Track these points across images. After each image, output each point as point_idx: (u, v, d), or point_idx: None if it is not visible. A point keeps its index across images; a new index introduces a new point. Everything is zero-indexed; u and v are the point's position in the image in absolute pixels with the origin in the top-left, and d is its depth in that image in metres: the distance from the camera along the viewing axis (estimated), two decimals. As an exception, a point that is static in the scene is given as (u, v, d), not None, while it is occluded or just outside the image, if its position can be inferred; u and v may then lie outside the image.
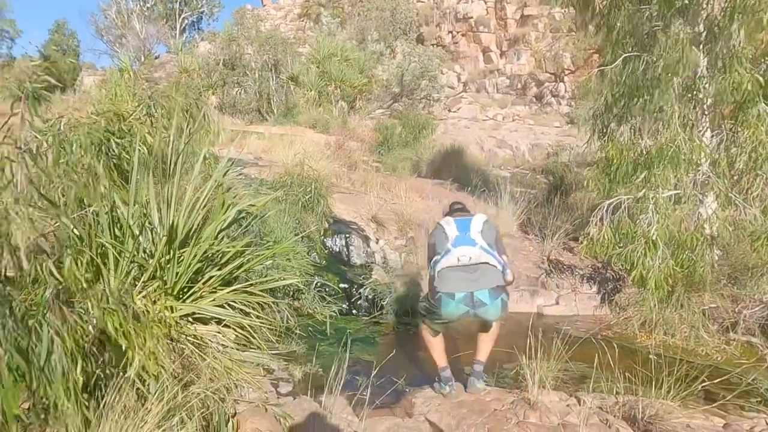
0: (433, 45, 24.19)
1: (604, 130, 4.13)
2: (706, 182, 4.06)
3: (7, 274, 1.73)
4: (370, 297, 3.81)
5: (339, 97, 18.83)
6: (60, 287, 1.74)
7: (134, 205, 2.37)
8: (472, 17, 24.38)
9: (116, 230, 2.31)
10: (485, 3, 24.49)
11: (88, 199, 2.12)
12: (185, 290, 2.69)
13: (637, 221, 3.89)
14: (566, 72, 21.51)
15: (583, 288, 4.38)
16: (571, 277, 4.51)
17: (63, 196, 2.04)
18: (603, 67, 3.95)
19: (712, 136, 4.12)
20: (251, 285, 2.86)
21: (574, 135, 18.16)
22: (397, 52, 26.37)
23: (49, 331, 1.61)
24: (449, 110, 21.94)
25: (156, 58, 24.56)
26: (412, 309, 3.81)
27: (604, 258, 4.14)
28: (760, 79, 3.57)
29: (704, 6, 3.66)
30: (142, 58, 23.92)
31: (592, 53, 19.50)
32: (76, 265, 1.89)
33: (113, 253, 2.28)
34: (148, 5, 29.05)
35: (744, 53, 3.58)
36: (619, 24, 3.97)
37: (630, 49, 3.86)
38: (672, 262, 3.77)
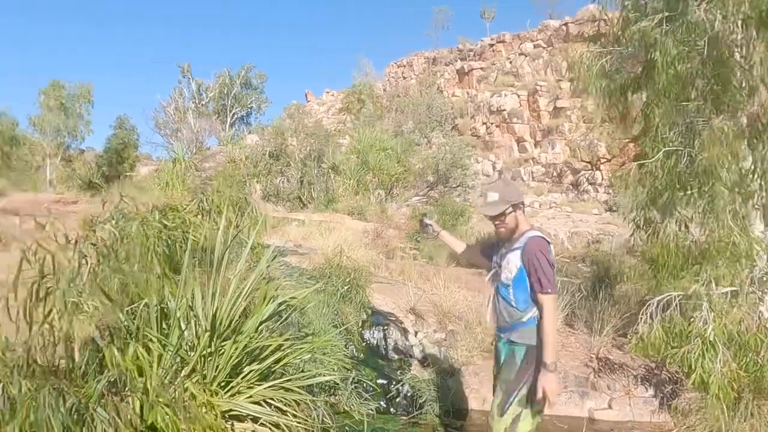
0: (468, 135, 25.05)
1: (648, 223, 4.04)
2: (765, 279, 3.85)
3: (59, 366, 1.77)
4: (408, 394, 3.65)
5: (377, 185, 19.44)
6: (112, 379, 1.76)
7: (182, 298, 2.43)
8: (505, 109, 25.34)
9: (163, 323, 2.36)
10: (518, 96, 25.52)
11: (143, 293, 2.20)
12: (223, 385, 2.66)
13: (691, 319, 3.67)
14: (602, 160, 21.65)
15: (638, 390, 4.06)
16: (624, 377, 4.20)
17: (119, 289, 2.13)
18: (643, 162, 3.95)
19: (765, 230, 3.97)
20: (289, 380, 2.81)
21: (614, 222, 17.88)
22: (433, 142, 27.43)
23: (102, 424, 1.61)
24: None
25: (207, 149, 26.27)
26: (453, 409, 3.61)
27: (657, 358, 3.87)
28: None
29: (746, 104, 3.68)
30: (194, 150, 25.60)
31: (627, 142, 19.74)
32: (123, 358, 1.92)
33: (158, 346, 2.31)
34: (203, 102, 31.68)
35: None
36: (657, 119, 4.03)
37: (670, 144, 3.88)
38: (734, 365, 3.49)
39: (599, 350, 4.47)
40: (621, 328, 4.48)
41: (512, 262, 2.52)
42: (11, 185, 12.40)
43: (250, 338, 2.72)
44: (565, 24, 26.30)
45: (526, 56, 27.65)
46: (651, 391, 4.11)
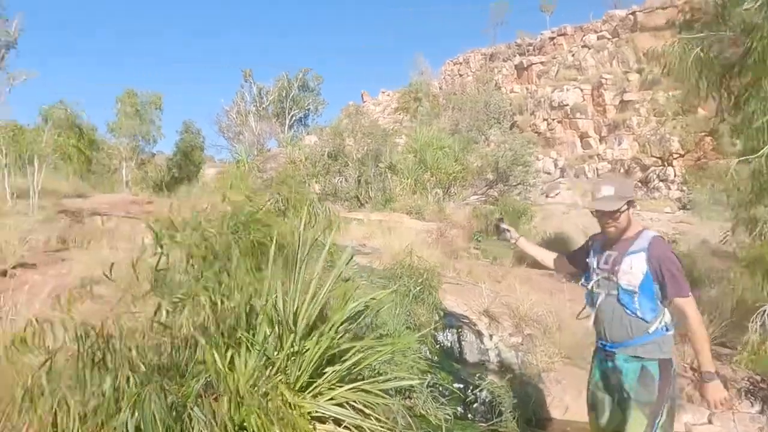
0: (527, 132, 24.33)
1: (753, 223, 3.67)
2: None
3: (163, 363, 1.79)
4: (487, 400, 3.51)
5: (434, 185, 19.25)
6: (209, 379, 1.76)
7: (267, 298, 2.42)
8: (568, 104, 24.40)
9: (251, 322, 2.35)
10: (581, 90, 24.51)
11: (240, 292, 2.20)
12: (304, 386, 2.64)
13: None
14: (674, 156, 20.36)
15: (742, 405, 3.69)
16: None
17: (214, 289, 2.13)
18: (746, 157, 3.58)
19: None
20: (369, 383, 2.74)
21: (688, 221, 16.74)
22: (491, 140, 26.87)
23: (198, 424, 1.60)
24: (546, 196, 21.43)
25: (268, 151, 27.04)
26: (536, 418, 3.44)
27: None
28: None
29: None
30: (256, 152, 26.41)
31: (704, 136, 18.41)
32: (221, 359, 1.92)
33: (246, 346, 2.30)
34: (264, 105, 32.65)
35: None
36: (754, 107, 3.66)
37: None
38: None
39: (693, 360, 4.12)
40: (720, 337, 4.11)
41: (636, 266, 2.24)
42: (92, 187, 13.21)
43: (332, 339, 2.68)
44: (632, 13, 24.96)
45: (589, 48, 26.51)
46: (758, 407, 3.73)
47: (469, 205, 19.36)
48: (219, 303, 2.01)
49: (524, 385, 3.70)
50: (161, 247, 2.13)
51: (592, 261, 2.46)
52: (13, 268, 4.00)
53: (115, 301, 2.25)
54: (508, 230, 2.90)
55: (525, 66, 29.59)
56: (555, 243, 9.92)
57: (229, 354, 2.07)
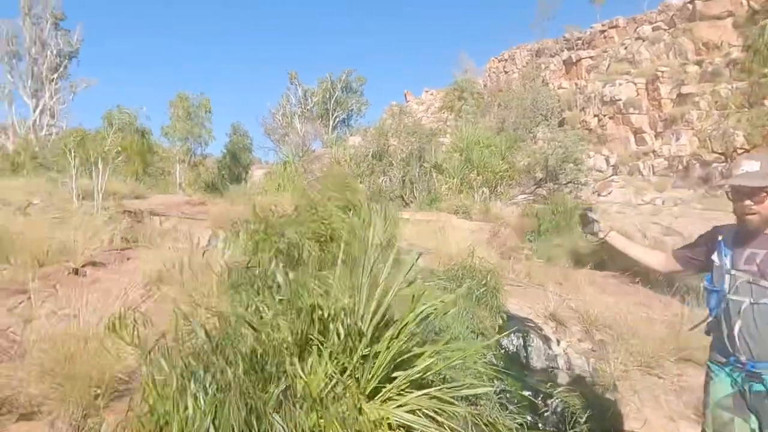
0: (577, 128, 23.55)
1: None
2: None
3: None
4: (558, 409, 3.32)
5: (481, 184, 18.92)
6: (287, 385, 1.70)
7: (339, 299, 2.35)
8: (620, 99, 23.45)
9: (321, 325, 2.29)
10: (635, 85, 23.50)
11: (308, 296, 2.14)
12: (374, 392, 2.55)
13: None
14: (739, 151, 19.16)
15: None
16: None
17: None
18: None
19: None
20: (440, 389, 2.63)
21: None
22: (539, 137, 26.19)
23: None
24: (598, 194, 20.67)
25: (312, 152, 27.37)
26: (613, 430, 3.22)
27: None
28: None
29: None
30: (301, 153, 26.76)
31: (773, 129, 17.25)
32: (301, 366, 1.86)
33: (317, 350, 2.23)
34: (308, 107, 33.10)
35: None
36: None
37: None
38: None
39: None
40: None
41: None
42: (149, 188, 13.72)
43: (403, 343, 2.58)
44: (691, 2, 23.69)
45: (643, 40, 25.38)
46: None
47: (517, 205, 18.97)
48: (318, 306, 1.95)
49: (598, 394, 3.49)
50: (256, 245, 2.08)
51: (724, 260, 2.05)
52: (83, 266, 4.13)
53: (188, 300, 2.23)
54: (597, 221, 2.59)
55: (574, 61, 28.67)
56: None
57: (310, 359, 2.01)
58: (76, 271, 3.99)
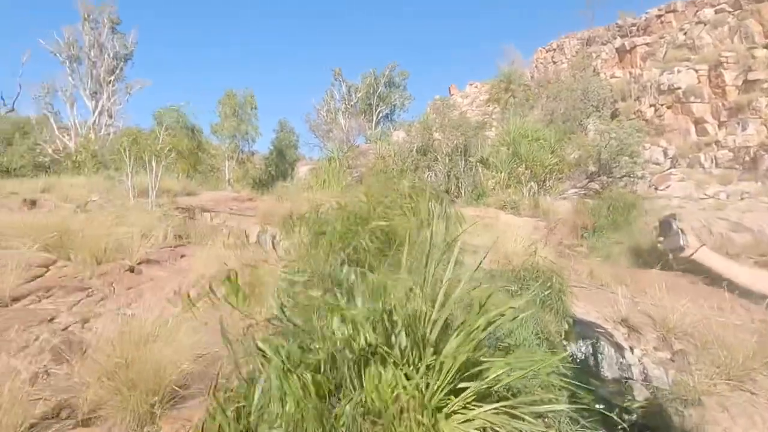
0: (632, 119, 22.45)
1: None
2: None
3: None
4: (636, 424, 3.03)
5: (529, 178, 18.36)
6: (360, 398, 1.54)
7: (404, 304, 2.18)
8: (679, 88, 22.16)
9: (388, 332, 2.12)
10: (696, 72, 22.14)
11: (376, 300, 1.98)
12: (440, 406, 2.36)
13: None
14: (815, 141, 17.72)
15: None
16: None
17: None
18: None
19: None
20: (512, 403, 2.41)
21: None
22: (590, 129, 25.18)
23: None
24: (656, 188, 19.64)
25: (356, 147, 27.39)
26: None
27: None
28: None
29: None
30: (345, 148, 26.84)
31: None
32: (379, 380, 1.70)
33: (381, 359, 2.07)
34: (352, 103, 33.18)
35: None
36: None
37: None
38: None
39: None
40: None
41: None
42: (199, 185, 14.04)
43: (471, 352, 2.37)
44: (759, -20, 22.04)
45: (704, 24, 23.85)
46: None
47: (567, 199, 18.32)
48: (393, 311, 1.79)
49: (680, 410, 3.17)
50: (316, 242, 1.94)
51: None
52: (139, 263, 4.15)
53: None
54: (682, 232, 2.27)
55: (627, 48, 27.35)
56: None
57: (389, 371, 1.85)
58: (132, 269, 4.01)
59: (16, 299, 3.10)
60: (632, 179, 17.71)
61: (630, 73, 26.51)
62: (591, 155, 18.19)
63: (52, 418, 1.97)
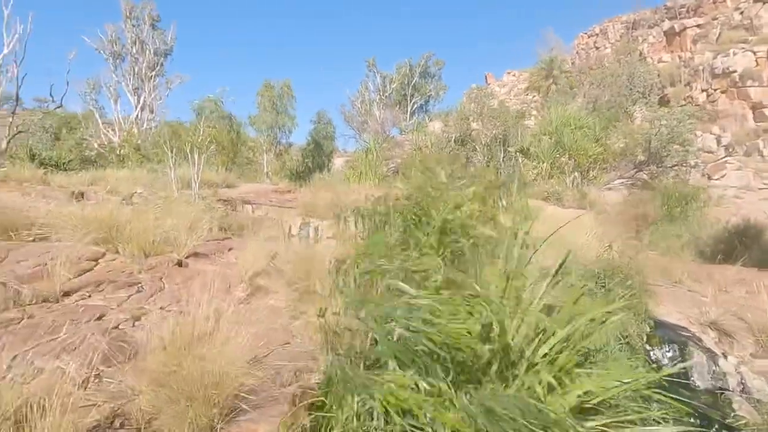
0: (682, 105, 21.31)
1: None
2: None
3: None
4: (741, 446, 2.67)
5: (573, 168, 17.69)
6: None
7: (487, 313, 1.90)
8: (735, 71, 20.87)
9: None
10: (754, 54, 20.80)
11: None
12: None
13: None
14: None
15: None
16: None
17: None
18: None
19: None
20: (612, 420, 2.11)
21: None
22: (636, 117, 24.10)
23: None
24: (709, 178, 18.58)
25: (392, 138, 27.05)
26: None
27: None
28: None
29: None
30: (381, 140, 26.54)
31: None
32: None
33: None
34: (387, 94, 32.82)
35: None
36: None
37: None
38: None
39: None
40: None
41: None
42: (238, 178, 14.06)
43: (565, 363, 2.08)
44: (826, -47, 20.48)
45: (764, 3, 22.37)
46: None
47: (612, 190, 17.61)
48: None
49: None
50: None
51: None
52: (187, 257, 4.01)
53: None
54: None
55: (677, 31, 25.97)
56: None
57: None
58: (180, 263, 3.87)
59: (66, 294, 3.00)
60: (684, 168, 16.78)
61: (679, 57, 25.21)
62: (639, 144, 17.30)
63: (107, 428, 1.80)
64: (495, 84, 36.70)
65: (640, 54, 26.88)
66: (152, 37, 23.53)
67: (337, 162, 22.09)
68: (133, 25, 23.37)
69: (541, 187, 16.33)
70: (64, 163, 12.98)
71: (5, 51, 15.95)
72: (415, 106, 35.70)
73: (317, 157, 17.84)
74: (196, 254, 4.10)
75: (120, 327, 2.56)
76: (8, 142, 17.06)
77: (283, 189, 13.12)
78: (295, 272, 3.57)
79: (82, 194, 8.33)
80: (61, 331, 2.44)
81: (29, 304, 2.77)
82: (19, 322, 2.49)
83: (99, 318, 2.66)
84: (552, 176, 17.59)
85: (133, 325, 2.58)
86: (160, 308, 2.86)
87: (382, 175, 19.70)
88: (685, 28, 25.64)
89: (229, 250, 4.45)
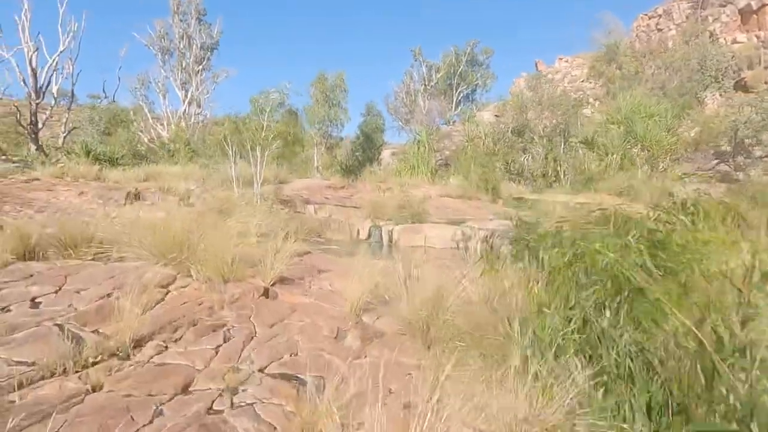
0: (763, 89, 19.36)
1: None
2: None
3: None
4: None
5: (645, 160, 16.26)
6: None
7: None
8: (828, 50, 18.78)
9: None
10: None
11: None
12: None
13: None
14: None
15: None
16: None
17: None
18: None
19: None
20: None
21: None
22: (707, 103, 22.21)
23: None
24: (800, 170, 16.74)
25: (438, 129, 26.02)
26: None
27: None
28: None
29: None
30: (430, 131, 25.56)
31: None
32: None
33: None
34: (432, 83, 31.70)
35: None
36: None
37: None
38: None
39: None
40: None
41: None
42: (289, 173, 13.45)
43: None
44: None
45: None
46: None
47: (689, 184, 16.08)
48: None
49: None
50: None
51: None
52: (272, 284, 3.29)
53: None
54: None
55: (754, 8, 23.75)
56: None
57: None
58: (266, 292, 3.15)
59: (138, 343, 2.32)
60: (775, 160, 15.14)
61: (757, 37, 23.07)
62: (722, 132, 15.71)
63: None
64: (546, 71, 34.96)
65: (711, 35, 24.79)
66: (199, 32, 23.32)
67: (384, 154, 21.29)
68: (181, 20, 23.21)
69: (612, 181, 14.95)
70: (117, 159, 12.75)
71: (61, 48, 15.98)
72: (461, 95, 34.43)
73: (367, 150, 17.07)
74: (282, 279, 3.38)
75: (215, 409, 1.82)
76: (64, 138, 17.15)
77: (336, 185, 12.45)
78: (410, 306, 2.77)
79: (138, 195, 7.85)
80: (137, 419, 1.74)
81: (93, 364, 2.10)
82: (81, 401, 1.81)
83: (184, 390, 1.94)
84: (622, 168, 16.22)
85: (232, 405, 1.85)
86: (260, 370, 2.12)
87: (435, 168, 18.79)
88: (763, 5, 23.43)
89: (320, 272, 3.72)
